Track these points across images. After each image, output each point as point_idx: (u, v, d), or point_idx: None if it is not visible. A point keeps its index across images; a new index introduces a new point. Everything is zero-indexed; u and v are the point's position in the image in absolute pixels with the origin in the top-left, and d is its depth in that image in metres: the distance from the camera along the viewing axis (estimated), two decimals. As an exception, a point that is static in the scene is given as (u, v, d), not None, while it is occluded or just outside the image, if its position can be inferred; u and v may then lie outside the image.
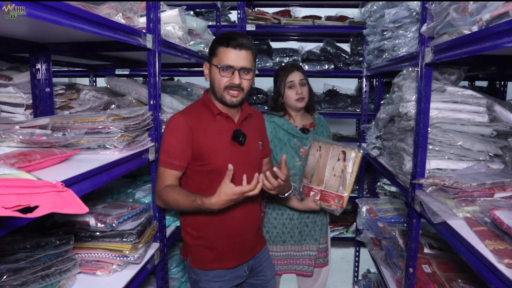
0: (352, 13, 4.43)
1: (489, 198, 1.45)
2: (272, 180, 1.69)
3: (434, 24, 1.61)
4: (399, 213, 3.00)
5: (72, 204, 0.97)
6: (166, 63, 3.25)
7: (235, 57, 1.72)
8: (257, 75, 4.76)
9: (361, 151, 2.10)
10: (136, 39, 1.69)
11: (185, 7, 2.35)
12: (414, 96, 1.86)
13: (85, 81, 4.04)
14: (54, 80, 2.05)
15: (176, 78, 4.20)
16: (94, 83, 3.51)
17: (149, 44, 1.78)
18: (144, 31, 1.77)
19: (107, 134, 1.55)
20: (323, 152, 2.16)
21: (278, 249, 2.37)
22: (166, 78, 4.48)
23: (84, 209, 1.00)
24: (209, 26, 2.96)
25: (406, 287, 1.90)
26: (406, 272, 1.89)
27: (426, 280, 1.95)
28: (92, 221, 1.65)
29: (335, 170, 2.10)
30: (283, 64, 4.39)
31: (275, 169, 1.71)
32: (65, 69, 4.58)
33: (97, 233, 1.64)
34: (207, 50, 2.85)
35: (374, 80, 3.50)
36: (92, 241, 1.64)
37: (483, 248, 1.19)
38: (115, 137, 1.55)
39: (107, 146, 1.55)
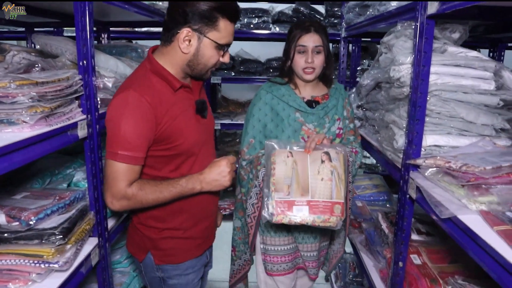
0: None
1: (509, 186, 1.15)
2: None
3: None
4: (379, 190, 2.74)
5: None
6: (117, 21, 2.79)
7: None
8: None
9: (343, 151, 1.72)
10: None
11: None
12: (409, 58, 1.53)
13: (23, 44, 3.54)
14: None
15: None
16: (33, 46, 3.00)
17: (73, -15, 1.36)
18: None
19: (11, 105, 1.15)
20: (297, 157, 1.69)
21: (282, 241, 1.95)
22: (124, 41, 4.00)
23: None
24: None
25: (394, 283, 1.62)
26: (395, 266, 1.60)
27: (416, 274, 1.68)
28: (2, 218, 1.27)
29: (321, 174, 1.64)
30: (251, 25, 3.99)
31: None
32: (5, 29, 4.04)
33: (7, 234, 1.26)
34: (163, 5, 2.45)
35: (351, 44, 3.15)
36: (2, 245, 1.26)
37: (515, 258, 0.89)
38: (23, 109, 1.15)
39: (12, 120, 1.15)
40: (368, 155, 4.14)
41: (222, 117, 4.17)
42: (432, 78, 1.46)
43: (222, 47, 1.48)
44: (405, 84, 1.54)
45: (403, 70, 1.55)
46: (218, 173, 1.55)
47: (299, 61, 1.85)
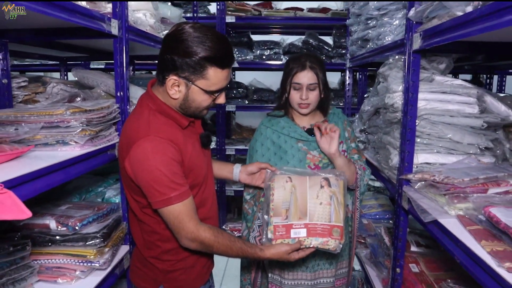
0: (335, 4, 4.33)
1: (483, 194, 1.35)
2: None
3: (423, 8, 1.50)
4: (384, 209, 2.91)
5: (10, 209, 0.83)
6: (141, 55, 3.08)
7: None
8: (237, 68, 4.66)
9: (343, 177, 1.73)
10: (99, 24, 1.54)
11: (159, -5, 2.20)
12: (400, 86, 1.76)
13: (57, 75, 3.85)
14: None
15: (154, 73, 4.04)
16: (66, 77, 3.32)
17: (114, 30, 1.63)
18: (109, 16, 1.62)
19: (66, 129, 1.40)
20: (296, 182, 1.68)
21: (286, 276, 1.92)
22: (144, 72, 4.31)
23: (26, 213, 0.86)
24: (186, 18, 2.81)
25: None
26: (393, 272, 1.78)
27: (413, 280, 1.85)
28: (52, 223, 1.50)
29: (320, 198, 1.64)
30: (264, 57, 4.27)
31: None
32: (38, 62, 4.40)
33: (58, 237, 1.49)
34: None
35: (358, 73, 3.39)
36: (53, 246, 1.49)
37: (480, 250, 1.08)
38: (75, 132, 1.40)
39: (66, 141, 1.40)
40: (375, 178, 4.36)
41: (236, 143, 4.41)
42: (421, 103, 1.67)
43: (213, 93, 1.43)
44: (398, 109, 1.76)
45: (396, 97, 1.77)
46: (277, 256, 1.58)
47: (295, 97, 1.88)
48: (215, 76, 1.39)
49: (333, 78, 4.80)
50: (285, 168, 1.78)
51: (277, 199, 1.65)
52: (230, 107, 4.21)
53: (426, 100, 1.70)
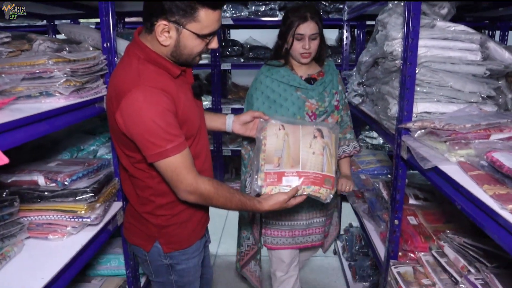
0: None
1: (485, 140, 1.30)
2: None
3: None
4: (382, 164, 2.88)
5: (-16, 154, 0.78)
6: (132, 11, 2.98)
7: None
8: (232, 26, 4.53)
9: (336, 131, 1.74)
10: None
11: None
12: (400, 33, 1.67)
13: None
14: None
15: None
16: (54, 37, 3.21)
17: (97, -24, 1.54)
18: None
19: (49, 79, 1.33)
20: (289, 130, 1.68)
21: (283, 218, 2.11)
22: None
23: (3, 160, 0.80)
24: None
25: (391, 240, 1.78)
26: (391, 224, 1.76)
27: (412, 232, 1.83)
28: (41, 179, 1.46)
29: (313, 147, 1.63)
30: (259, 13, 4.13)
31: None
32: (25, 24, 4.26)
33: (47, 193, 1.45)
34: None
35: (356, 30, 3.28)
36: (42, 202, 1.46)
37: (482, 194, 1.04)
38: (59, 82, 1.33)
39: (50, 93, 1.33)
40: (375, 135, 4.32)
41: (232, 102, 4.33)
42: (421, 50, 1.60)
43: (206, 37, 1.37)
44: (397, 57, 1.68)
45: (395, 44, 1.69)
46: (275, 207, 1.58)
47: (297, 47, 1.95)
48: (206, 18, 1.31)
49: (331, 35, 4.68)
50: (278, 117, 1.77)
51: (269, 147, 1.64)
52: (225, 66, 4.11)
53: (426, 47, 1.62)
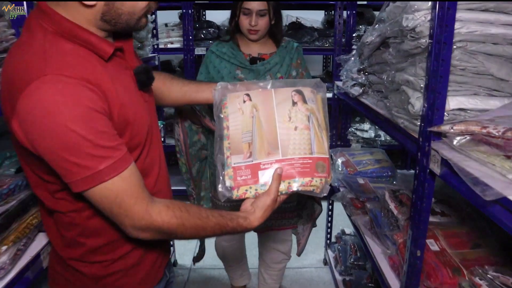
0: None
1: None
2: None
3: None
4: (382, 165, 2.47)
5: None
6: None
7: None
8: (207, 5, 4.04)
9: (321, 90, 1.28)
10: None
11: None
12: (428, 2, 1.24)
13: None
14: None
15: None
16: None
17: None
18: None
19: None
20: (257, 100, 1.21)
21: None
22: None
23: None
24: None
25: (410, 274, 1.37)
26: (412, 255, 1.34)
27: (434, 262, 1.42)
28: None
29: (294, 120, 1.18)
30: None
31: None
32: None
33: None
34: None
35: (345, 11, 2.84)
36: None
37: None
38: None
39: None
40: (365, 128, 3.91)
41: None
42: (455, 26, 1.17)
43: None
44: (422, 34, 1.25)
45: (419, 17, 1.26)
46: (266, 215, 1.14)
47: (244, 22, 1.90)
48: None
49: (317, 17, 4.25)
50: (239, 83, 1.28)
51: (233, 130, 1.19)
52: (200, 50, 3.63)
53: (461, 21, 1.20)
